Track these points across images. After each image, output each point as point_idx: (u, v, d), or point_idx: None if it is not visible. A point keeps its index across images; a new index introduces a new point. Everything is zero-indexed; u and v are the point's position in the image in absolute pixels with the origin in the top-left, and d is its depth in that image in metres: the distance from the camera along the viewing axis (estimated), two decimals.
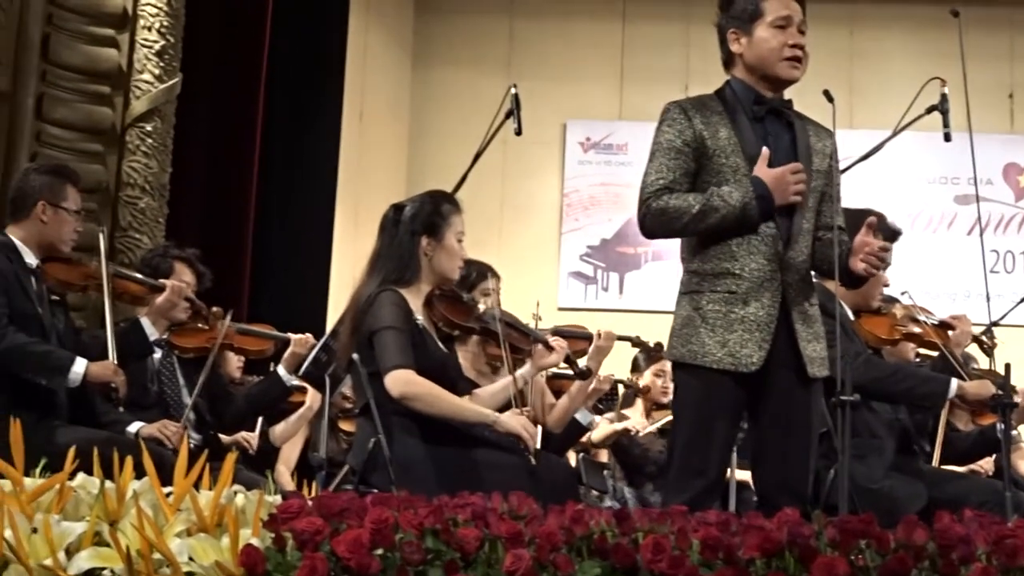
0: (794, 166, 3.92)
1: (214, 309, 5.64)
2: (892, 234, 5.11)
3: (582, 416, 5.72)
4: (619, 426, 6.78)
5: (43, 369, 4.78)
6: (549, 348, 4.93)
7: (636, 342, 6.54)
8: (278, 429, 6.53)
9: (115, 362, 4.96)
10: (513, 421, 4.49)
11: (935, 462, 5.65)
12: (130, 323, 5.39)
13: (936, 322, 5.60)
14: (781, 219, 3.94)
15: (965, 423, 6.27)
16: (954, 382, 5.13)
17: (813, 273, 4.09)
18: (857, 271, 3.92)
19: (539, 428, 5.58)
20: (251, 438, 6.21)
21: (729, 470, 5.14)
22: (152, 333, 5.33)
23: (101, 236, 5.35)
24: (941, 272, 11.25)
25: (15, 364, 4.74)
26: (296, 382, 5.97)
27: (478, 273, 5.56)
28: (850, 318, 5.14)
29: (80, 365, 4.78)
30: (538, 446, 4.64)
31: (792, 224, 3.95)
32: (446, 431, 4.45)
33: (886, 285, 5.37)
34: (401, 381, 4.37)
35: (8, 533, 2.37)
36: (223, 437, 5.94)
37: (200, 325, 5.59)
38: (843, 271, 3.93)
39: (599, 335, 5.63)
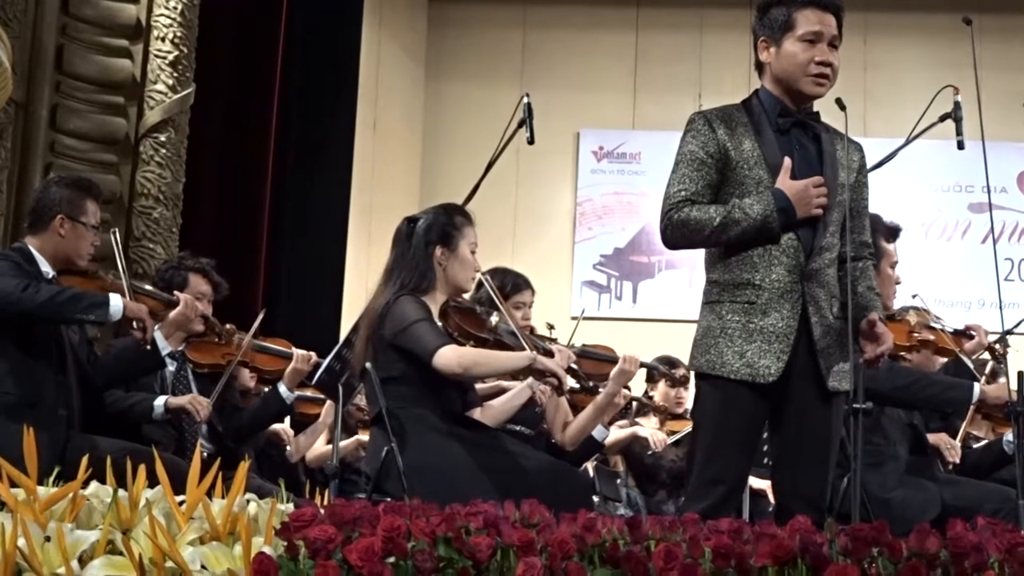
0: (816, 179, 3.89)
1: (228, 326, 5.63)
2: (890, 232, 5.12)
3: (598, 432, 5.69)
4: (632, 431, 6.77)
5: (86, 307, 4.72)
6: (548, 353, 4.91)
7: (660, 372, 6.76)
8: (295, 443, 6.54)
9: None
10: (551, 362, 4.51)
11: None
12: None
13: (952, 330, 5.58)
14: (804, 231, 3.90)
15: (985, 432, 6.24)
16: (976, 386, 5.12)
17: None
18: (864, 352, 3.91)
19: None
20: (289, 431, 6.26)
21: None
22: (165, 347, 5.30)
23: (114, 238, 5.34)
24: (955, 280, 11.25)
25: (58, 310, 4.69)
26: (309, 393, 5.99)
27: (514, 285, 5.57)
28: None
29: (117, 298, 4.77)
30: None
31: (815, 236, 3.91)
32: (462, 436, 4.47)
33: (897, 282, 5.33)
34: (454, 355, 4.38)
35: (21, 542, 2.37)
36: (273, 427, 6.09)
37: (217, 340, 5.59)
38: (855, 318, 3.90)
39: (624, 359, 5.55)
